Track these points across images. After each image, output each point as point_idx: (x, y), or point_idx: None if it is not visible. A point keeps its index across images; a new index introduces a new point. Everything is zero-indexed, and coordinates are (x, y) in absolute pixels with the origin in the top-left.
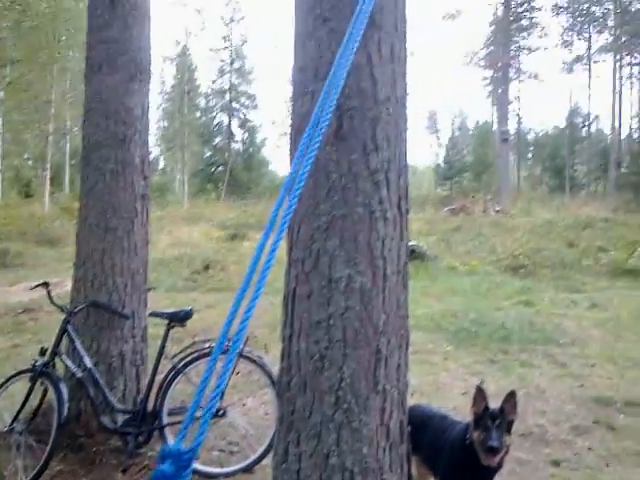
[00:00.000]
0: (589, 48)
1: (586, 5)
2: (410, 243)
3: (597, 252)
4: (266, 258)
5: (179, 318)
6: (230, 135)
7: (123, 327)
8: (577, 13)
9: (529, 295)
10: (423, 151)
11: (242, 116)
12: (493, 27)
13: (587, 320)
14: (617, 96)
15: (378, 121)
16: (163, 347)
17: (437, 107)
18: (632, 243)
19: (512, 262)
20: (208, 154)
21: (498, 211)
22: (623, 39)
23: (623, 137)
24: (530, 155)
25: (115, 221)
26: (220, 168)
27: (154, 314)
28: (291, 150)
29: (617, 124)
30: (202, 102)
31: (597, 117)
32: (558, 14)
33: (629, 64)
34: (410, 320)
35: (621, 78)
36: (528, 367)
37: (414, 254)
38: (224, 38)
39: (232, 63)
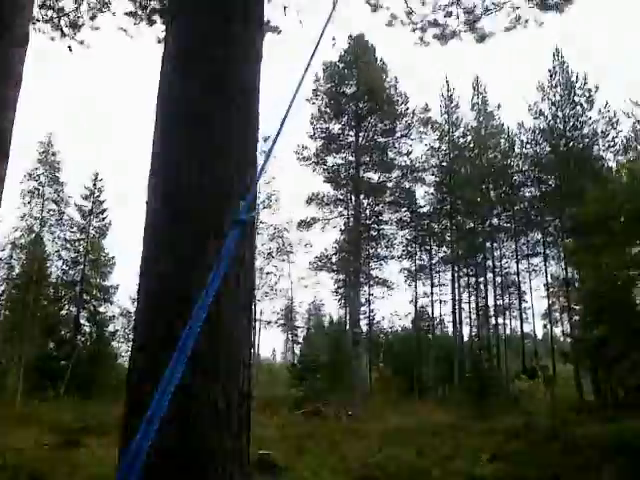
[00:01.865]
0: (430, 259)
1: (426, 221)
2: (260, 452)
3: (445, 461)
4: None
5: None
6: (77, 328)
7: None
8: (419, 228)
9: None
10: (279, 348)
11: (92, 308)
12: (344, 235)
13: None
14: (457, 304)
15: None
16: None
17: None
18: (476, 451)
19: (364, 472)
20: (51, 347)
21: (350, 415)
22: (460, 252)
23: (465, 341)
24: (382, 356)
25: None
26: (63, 363)
27: None
28: None
29: (457, 330)
30: (51, 292)
31: (442, 322)
32: (402, 228)
33: (466, 275)
34: None
35: (459, 287)
36: None
37: (264, 465)
38: (81, 230)
39: (87, 254)
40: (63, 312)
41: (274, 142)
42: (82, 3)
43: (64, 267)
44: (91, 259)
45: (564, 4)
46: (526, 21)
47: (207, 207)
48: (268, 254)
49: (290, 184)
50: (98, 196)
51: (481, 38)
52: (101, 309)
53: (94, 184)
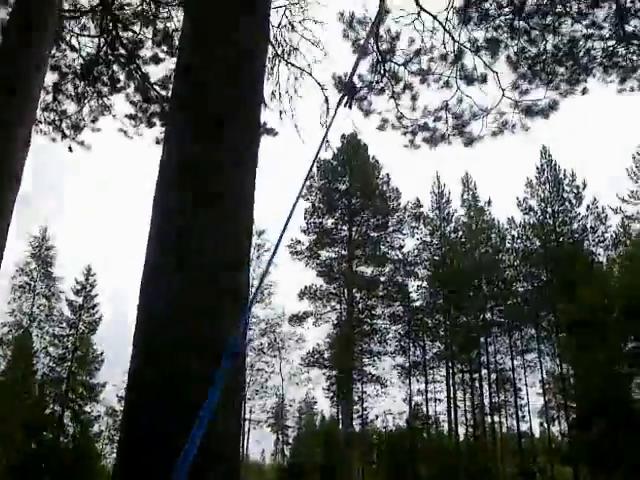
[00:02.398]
0: (424, 354)
1: (420, 316)
2: None
3: None
4: None
5: None
6: (61, 428)
7: None
8: (412, 322)
9: None
10: (268, 448)
11: (77, 407)
12: (337, 330)
13: None
14: (452, 401)
15: None
16: None
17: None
18: None
19: None
20: (33, 448)
21: None
22: (454, 347)
23: (461, 440)
24: (375, 455)
25: None
26: (44, 465)
27: None
28: None
29: (453, 429)
30: (36, 390)
31: (437, 420)
32: (395, 322)
33: (461, 371)
34: None
35: (454, 384)
36: None
37: None
38: (70, 325)
39: (75, 351)
40: (47, 411)
41: (270, 261)
42: (84, 106)
43: (51, 364)
44: (79, 355)
45: (549, 110)
46: (513, 126)
47: (196, 323)
48: (259, 350)
49: (283, 278)
50: (90, 291)
51: (469, 142)
52: (86, 408)
53: (86, 278)
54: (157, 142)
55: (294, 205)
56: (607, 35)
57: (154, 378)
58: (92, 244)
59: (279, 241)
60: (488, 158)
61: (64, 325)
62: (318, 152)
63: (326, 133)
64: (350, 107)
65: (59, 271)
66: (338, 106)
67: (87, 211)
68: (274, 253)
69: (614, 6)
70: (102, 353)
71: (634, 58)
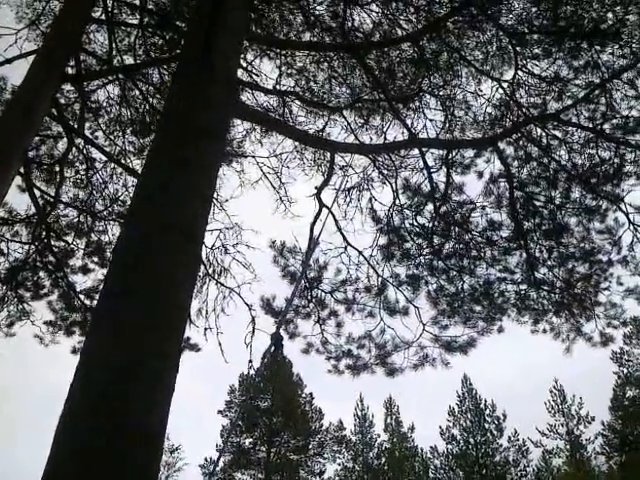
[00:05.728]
0: None
1: None
2: None
3: None
4: None
5: None
6: None
7: None
8: None
9: None
10: None
11: None
12: None
13: None
14: None
15: None
16: None
17: None
18: None
19: None
20: None
21: None
22: None
23: None
24: None
25: None
26: None
27: None
28: None
29: None
30: None
31: None
32: None
33: None
34: None
35: None
36: None
37: None
38: None
39: None
40: None
41: None
42: (2, 310)
43: None
44: None
45: (467, 347)
46: (433, 359)
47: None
48: None
49: None
50: None
51: (391, 372)
52: None
53: None
54: (74, 351)
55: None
56: (519, 279)
57: None
58: None
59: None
60: (411, 382)
61: None
62: (247, 377)
63: (256, 374)
64: (277, 358)
65: None
66: (264, 357)
67: None
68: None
69: (524, 254)
70: None
71: (544, 302)
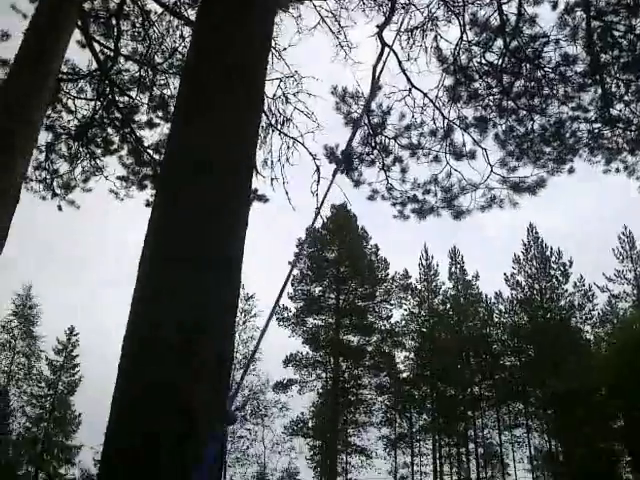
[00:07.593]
0: (411, 427)
1: (407, 387)
2: None
3: None
4: None
5: None
6: None
7: None
8: (399, 394)
9: None
10: None
11: (52, 469)
12: (322, 399)
13: None
14: (438, 475)
15: None
16: None
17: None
18: None
19: None
20: None
21: None
22: (441, 420)
23: None
24: None
25: None
26: None
27: None
28: None
29: None
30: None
31: None
32: (382, 393)
33: (448, 444)
34: None
35: (441, 457)
36: None
37: None
38: (49, 385)
39: (52, 411)
40: (20, 472)
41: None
42: (76, 166)
43: (27, 424)
44: (56, 416)
45: (537, 188)
46: (501, 201)
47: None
48: (242, 417)
49: (267, 344)
50: (71, 350)
51: (458, 215)
52: (61, 470)
53: (68, 338)
54: (147, 204)
55: (285, 282)
56: (593, 117)
57: (134, 437)
58: (78, 304)
59: (270, 316)
60: (476, 232)
61: (42, 385)
62: (314, 222)
63: (322, 202)
64: (347, 173)
65: (41, 330)
66: (334, 175)
67: (74, 272)
68: (265, 329)
69: (599, 90)
70: (80, 415)
71: (619, 141)
